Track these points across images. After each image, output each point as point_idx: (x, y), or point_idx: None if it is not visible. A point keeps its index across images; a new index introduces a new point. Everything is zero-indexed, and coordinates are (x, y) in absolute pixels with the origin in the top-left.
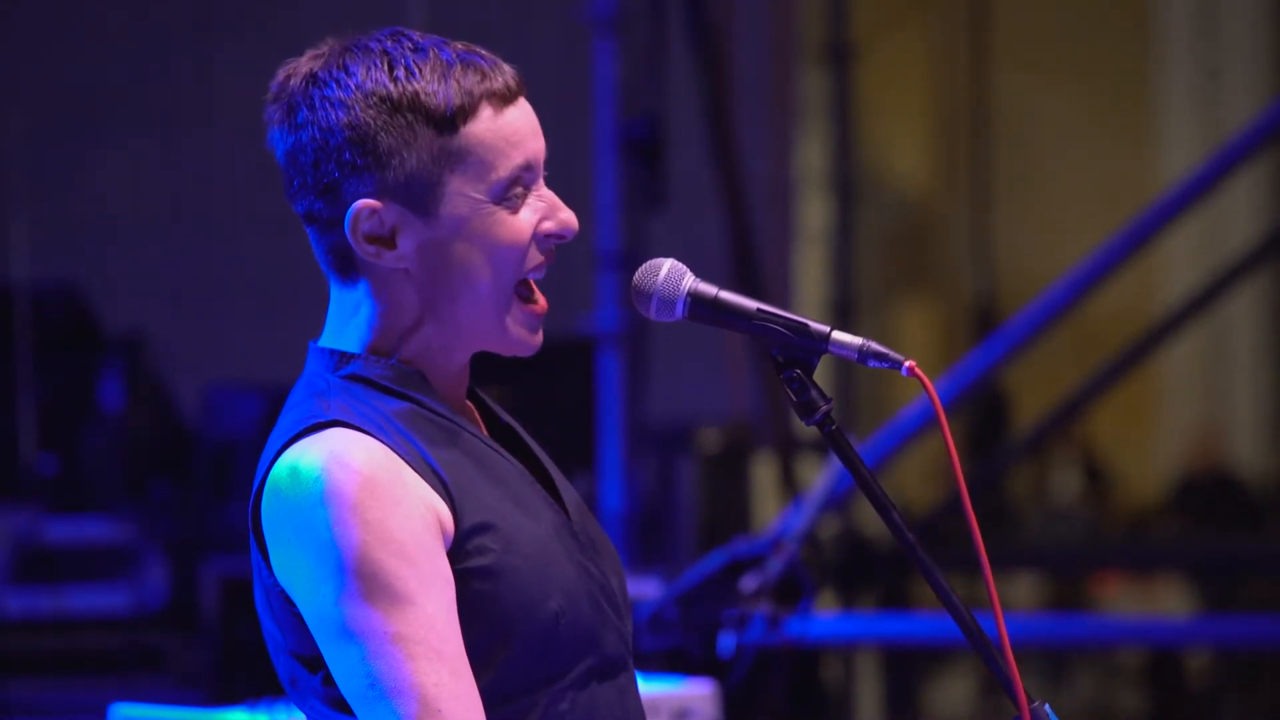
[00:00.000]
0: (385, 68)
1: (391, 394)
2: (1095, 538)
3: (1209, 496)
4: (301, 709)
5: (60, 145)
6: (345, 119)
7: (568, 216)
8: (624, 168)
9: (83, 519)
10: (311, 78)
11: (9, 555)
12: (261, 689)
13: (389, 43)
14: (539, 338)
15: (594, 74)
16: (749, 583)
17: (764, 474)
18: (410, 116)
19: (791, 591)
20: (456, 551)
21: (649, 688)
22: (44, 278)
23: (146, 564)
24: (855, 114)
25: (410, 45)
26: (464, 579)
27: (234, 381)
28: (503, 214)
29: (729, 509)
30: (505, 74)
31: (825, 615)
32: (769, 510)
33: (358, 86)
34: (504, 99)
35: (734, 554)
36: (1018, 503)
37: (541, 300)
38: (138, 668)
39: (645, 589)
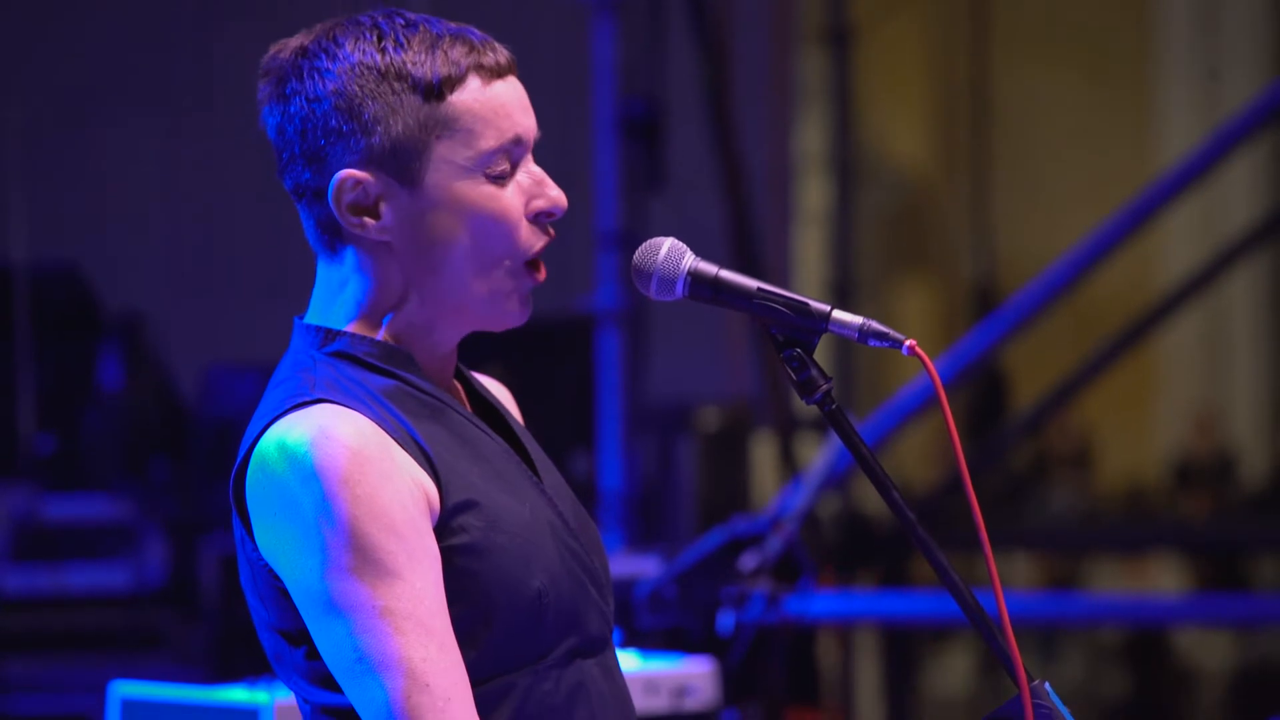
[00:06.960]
0: (374, 39)
1: (377, 371)
2: (1091, 519)
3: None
4: (286, 684)
5: (60, 127)
6: (332, 87)
7: (556, 194)
8: (623, 147)
9: (82, 498)
10: (301, 50)
11: (9, 534)
12: (261, 666)
13: (381, 19)
14: (527, 312)
15: (593, 54)
16: (748, 561)
17: (763, 453)
18: (397, 84)
19: (791, 570)
20: (442, 528)
21: (648, 666)
22: (44, 259)
23: (146, 542)
24: (855, 96)
25: (402, 21)
26: (448, 556)
27: (233, 361)
28: (489, 187)
29: (728, 488)
30: (496, 51)
31: (824, 594)
32: (768, 489)
33: (345, 57)
34: (493, 73)
35: (733, 532)
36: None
37: (541, 273)
38: (137, 646)
39: (644, 568)
